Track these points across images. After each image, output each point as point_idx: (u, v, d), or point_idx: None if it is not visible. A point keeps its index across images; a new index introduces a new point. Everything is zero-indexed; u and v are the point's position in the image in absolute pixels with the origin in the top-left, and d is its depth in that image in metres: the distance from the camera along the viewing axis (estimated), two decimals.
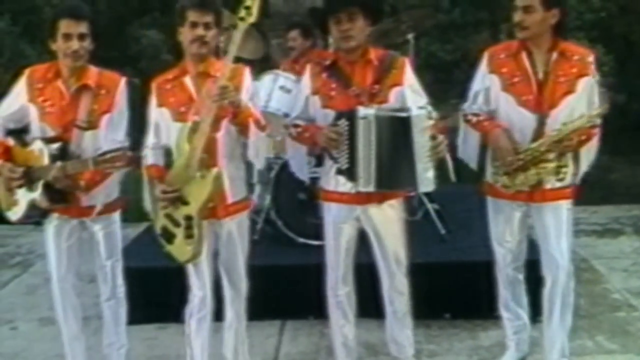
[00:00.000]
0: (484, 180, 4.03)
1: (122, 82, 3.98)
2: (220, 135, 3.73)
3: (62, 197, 3.85)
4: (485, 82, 3.94)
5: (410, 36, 6.09)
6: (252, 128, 3.70)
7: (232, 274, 3.98)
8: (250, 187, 6.21)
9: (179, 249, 3.75)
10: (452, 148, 3.93)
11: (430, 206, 5.61)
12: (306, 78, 3.96)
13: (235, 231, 3.91)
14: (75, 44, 3.77)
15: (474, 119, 3.95)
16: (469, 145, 4.04)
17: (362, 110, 3.65)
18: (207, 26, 3.69)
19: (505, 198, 3.94)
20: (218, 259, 3.95)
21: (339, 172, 3.76)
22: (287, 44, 6.50)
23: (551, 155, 3.76)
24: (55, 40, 3.81)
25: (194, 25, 3.68)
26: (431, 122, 3.66)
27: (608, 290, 5.49)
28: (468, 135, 4.03)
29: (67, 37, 3.77)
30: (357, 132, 3.64)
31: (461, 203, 6.01)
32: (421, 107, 3.69)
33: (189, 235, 3.69)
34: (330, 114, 3.80)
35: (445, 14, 12.64)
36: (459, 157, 4.11)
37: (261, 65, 6.38)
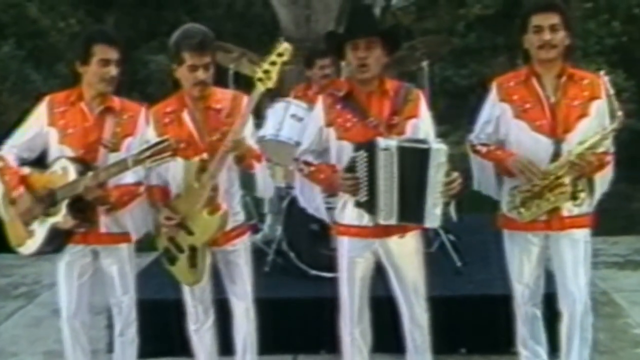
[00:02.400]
0: (499, 213, 3.97)
1: (143, 110, 4.02)
2: (223, 171, 3.81)
3: (86, 216, 3.82)
4: (495, 111, 3.91)
5: (424, 64, 6.03)
6: (256, 166, 3.90)
7: (237, 298, 4.01)
8: (261, 217, 6.19)
9: (182, 272, 3.92)
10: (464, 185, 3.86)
11: (445, 238, 5.55)
12: (318, 109, 3.91)
13: (236, 256, 3.98)
14: (113, 70, 3.82)
15: (484, 149, 3.92)
16: (485, 175, 3.98)
17: (382, 142, 3.60)
18: (206, 68, 3.76)
19: (521, 229, 3.88)
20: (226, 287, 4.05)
21: (358, 204, 3.71)
22: (322, 72, 5.99)
23: (567, 180, 3.70)
24: (86, 63, 3.82)
25: (194, 68, 3.74)
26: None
27: (629, 325, 5.40)
28: (483, 165, 3.97)
29: (105, 62, 3.81)
30: (377, 164, 3.59)
31: (477, 234, 5.97)
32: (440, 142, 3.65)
33: (192, 265, 3.85)
34: (347, 145, 3.76)
35: (461, 38, 12.62)
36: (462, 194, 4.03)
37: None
